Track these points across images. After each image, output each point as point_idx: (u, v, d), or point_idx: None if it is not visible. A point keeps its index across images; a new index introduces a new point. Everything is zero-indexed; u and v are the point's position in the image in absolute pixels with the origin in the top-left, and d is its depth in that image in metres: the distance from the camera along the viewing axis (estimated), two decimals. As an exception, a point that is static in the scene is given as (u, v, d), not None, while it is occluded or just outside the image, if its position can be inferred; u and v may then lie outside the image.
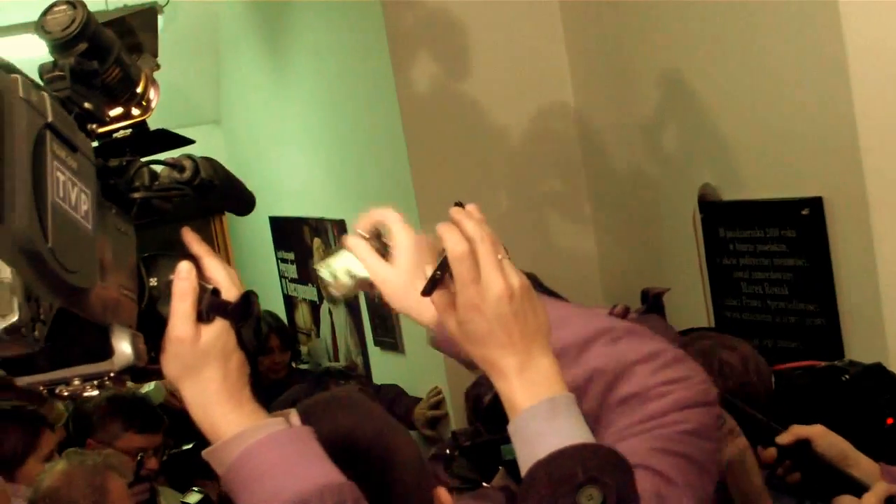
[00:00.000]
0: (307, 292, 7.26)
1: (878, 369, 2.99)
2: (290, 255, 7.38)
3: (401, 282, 1.77)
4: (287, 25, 6.63)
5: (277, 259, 7.66)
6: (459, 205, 1.64)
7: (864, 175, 3.56)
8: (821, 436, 2.50)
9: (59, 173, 1.22)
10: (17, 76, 1.20)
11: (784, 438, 2.51)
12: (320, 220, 6.67)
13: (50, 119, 1.22)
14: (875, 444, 2.57)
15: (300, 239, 7.06)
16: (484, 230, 1.58)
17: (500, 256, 1.58)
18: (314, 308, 7.20)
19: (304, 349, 7.41)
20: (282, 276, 7.67)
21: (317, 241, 6.80)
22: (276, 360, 6.47)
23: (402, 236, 1.78)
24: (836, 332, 3.82)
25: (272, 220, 7.56)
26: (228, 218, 8.78)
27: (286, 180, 7.22)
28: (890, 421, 2.84)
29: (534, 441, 1.54)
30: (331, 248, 6.25)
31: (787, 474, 2.53)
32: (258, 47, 7.20)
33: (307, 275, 7.15)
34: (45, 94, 1.24)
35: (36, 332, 1.16)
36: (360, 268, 1.77)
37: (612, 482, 1.48)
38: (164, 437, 4.51)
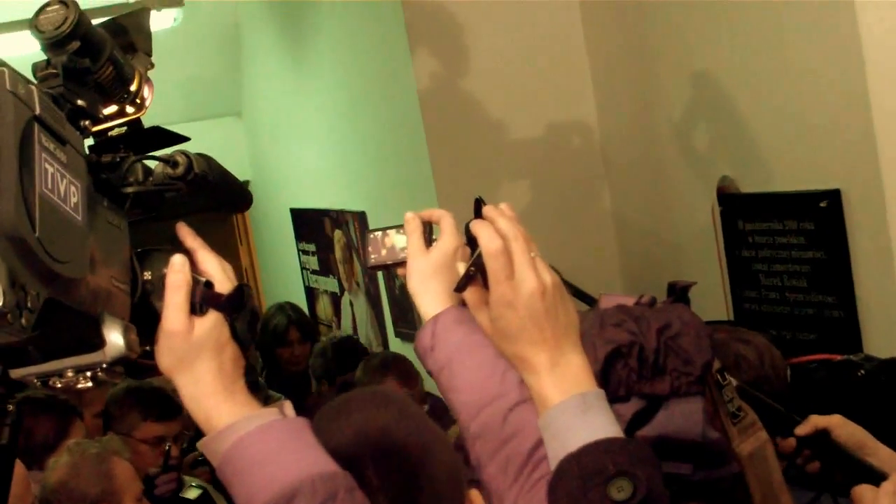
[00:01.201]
0: (328, 284, 7.27)
1: (895, 364, 2.97)
2: (312, 247, 7.39)
3: (425, 267, 1.89)
4: (308, 19, 6.64)
5: (299, 251, 7.68)
6: (480, 200, 1.68)
7: (881, 167, 3.54)
8: (839, 425, 2.49)
9: (47, 165, 1.22)
10: (4, 69, 1.21)
11: (802, 429, 2.50)
12: (341, 212, 6.68)
13: (38, 112, 1.23)
14: (891, 440, 2.55)
15: (321, 231, 7.08)
16: (517, 228, 1.61)
17: (532, 254, 1.60)
18: (335, 300, 7.21)
19: (325, 341, 7.43)
20: (303, 268, 7.69)
21: (338, 233, 6.81)
22: (296, 352, 6.46)
23: (449, 237, 1.91)
24: (855, 324, 3.80)
25: (293, 211, 7.58)
26: (250, 210, 8.80)
27: (307, 172, 7.24)
28: None
29: (564, 435, 1.56)
30: (358, 235, 6.34)
31: (807, 464, 2.52)
32: (279, 41, 7.21)
33: (328, 266, 7.17)
34: (34, 88, 1.25)
35: (23, 321, 1.16)
36: (402, 247, 1.95)
37: (642, 475, 1.50)
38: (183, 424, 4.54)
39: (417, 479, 1.63)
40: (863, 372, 2.93)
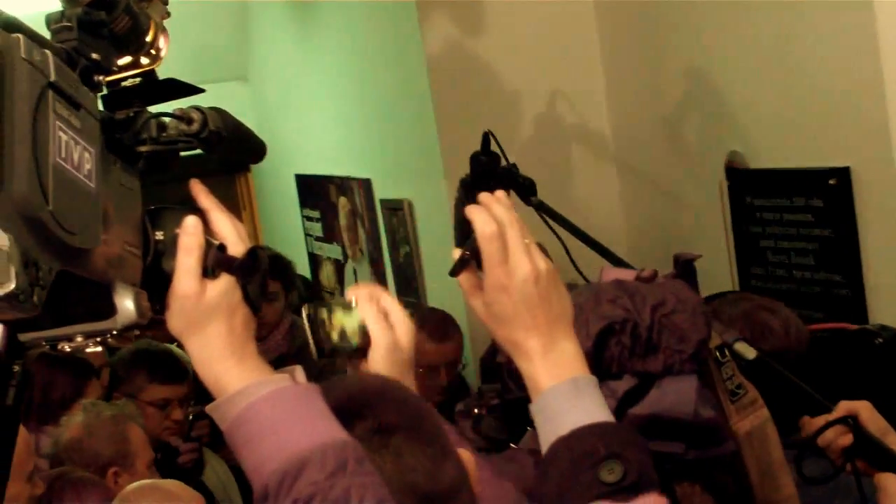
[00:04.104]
0: (332, 251, 7.26)
1: None
2: (316, 214, 7.37)
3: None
4: (317, -17, 6.60)
5: (303, 217, 7.66)
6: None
7: (892, 145, 3.53)
8: (867, 409, 2.47)
9: (61, 133, 1.20)
10: (20, 35, 1.18)
11: (834, 416, 2.45)
12: (346, 179, 6.66)
13: (52, 78, 1.21)
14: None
15: (326, 197, 7.05)
16: (512, 215, 1.63)
17: (526, 241, 1.61)
18: (339, 267, 7.20)
19: (328, 308, 7.38)
20: (307, 235, 7.67)
21: (342, 200, 6.79)
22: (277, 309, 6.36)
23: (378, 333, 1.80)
24: (861, 303, 3.80)
25: (298, 177, 7.55)
26: (254, 175, 8.78)
27: (312, 138, 7.21)
28: None
29: (556, 419, 1.57)
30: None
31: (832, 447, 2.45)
32: (287, 4, 7.17)
33: (332, 233, 7.15)
34: (48, 53, 1.22)
35: (35, 298, 1.15)
36: (358, 327, 1.77)
37: (633, 458, 1.52)
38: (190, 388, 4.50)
39: (425, 421, 1.62)
40: (881, 340, 2.93)
